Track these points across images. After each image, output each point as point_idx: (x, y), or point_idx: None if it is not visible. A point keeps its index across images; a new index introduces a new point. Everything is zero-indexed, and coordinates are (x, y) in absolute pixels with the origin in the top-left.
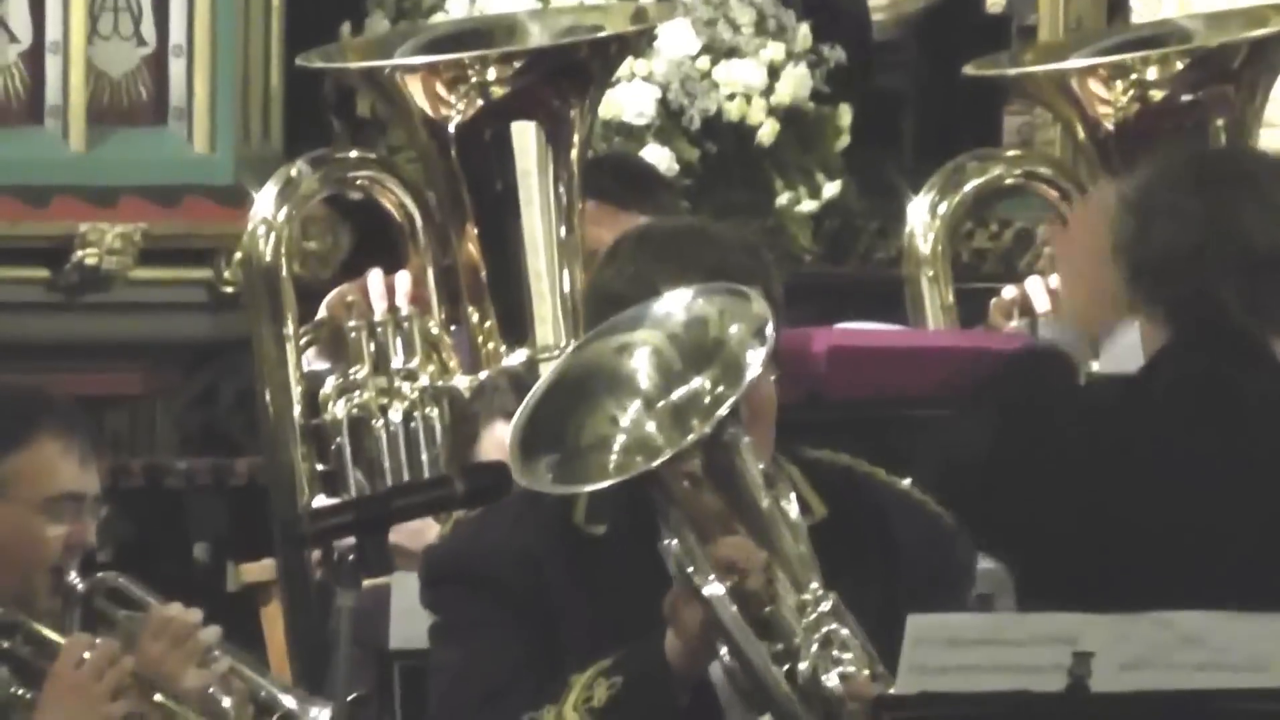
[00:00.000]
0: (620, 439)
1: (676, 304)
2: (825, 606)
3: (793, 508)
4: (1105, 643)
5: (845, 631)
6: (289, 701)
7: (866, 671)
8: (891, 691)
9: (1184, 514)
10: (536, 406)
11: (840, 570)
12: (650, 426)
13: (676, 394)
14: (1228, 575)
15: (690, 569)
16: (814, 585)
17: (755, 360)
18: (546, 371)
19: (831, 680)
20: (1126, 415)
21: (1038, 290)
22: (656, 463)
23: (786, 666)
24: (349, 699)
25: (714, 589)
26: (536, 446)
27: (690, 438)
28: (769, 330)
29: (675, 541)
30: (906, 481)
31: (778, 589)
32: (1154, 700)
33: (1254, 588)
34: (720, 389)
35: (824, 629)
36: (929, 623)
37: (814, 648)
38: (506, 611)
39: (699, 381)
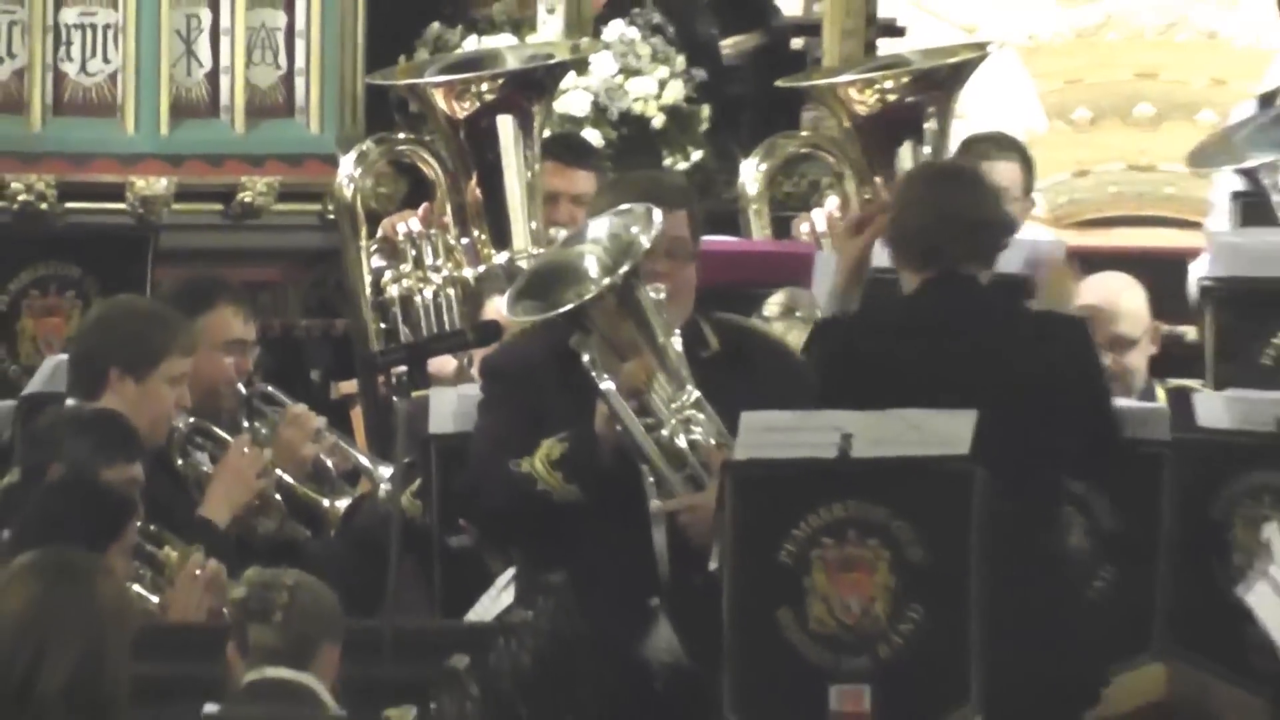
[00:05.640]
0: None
1: (602, 226)
2: (688, 400)
3: (677, 343)
4: (862, 428)
5: (702, 416)
6: (367, 462)
7: (714, 441)
8: (733, 459)
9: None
10: (525, 286)
11: (722, 383)
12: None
13: (611, 272)
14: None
15: (595, 374)
16: (688, 389)
17: (644, 241)
18: (529, 264)
19: (681, 442)
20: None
21: (820, 217)
22: (582, 300)
23: (655, 434)
24: (404, 462)
25: (608, 385)
26: (524, 301)
27: (603, 283)
28: (657, 224)
29: (588, 356)
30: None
31: (654, 385)
32: (891, 463)
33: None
34: (626, 259)
35: (685, 413)
36: (756, 416)
37: (673, 421)
38: (514, 396)
39: (618, 260)
